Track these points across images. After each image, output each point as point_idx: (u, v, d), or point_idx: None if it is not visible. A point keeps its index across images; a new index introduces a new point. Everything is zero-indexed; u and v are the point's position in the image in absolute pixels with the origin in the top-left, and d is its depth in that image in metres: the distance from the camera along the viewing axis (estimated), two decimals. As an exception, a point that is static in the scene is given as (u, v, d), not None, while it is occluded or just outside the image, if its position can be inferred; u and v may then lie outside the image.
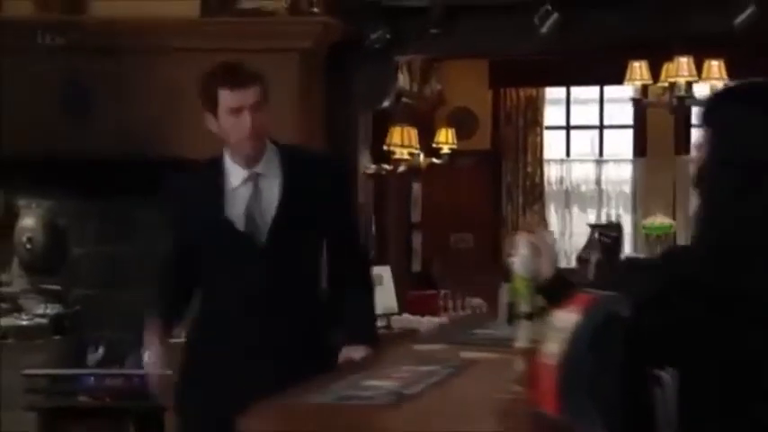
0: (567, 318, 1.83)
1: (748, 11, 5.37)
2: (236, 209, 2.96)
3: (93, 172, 5.79)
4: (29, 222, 6.23)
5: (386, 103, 6.34)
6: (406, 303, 6.37)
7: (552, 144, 9.38)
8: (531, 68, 8.67)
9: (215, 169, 3.01)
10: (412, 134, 6.84)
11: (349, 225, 3.14)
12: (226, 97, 2.91)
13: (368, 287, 3.16)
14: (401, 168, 6.90)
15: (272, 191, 2.96)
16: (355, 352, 2.92)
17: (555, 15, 5.69)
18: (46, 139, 5.85)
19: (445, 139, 7.95)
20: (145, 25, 5.71)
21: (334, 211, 3.02)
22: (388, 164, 6.97)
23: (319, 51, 5.84)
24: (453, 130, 8.12)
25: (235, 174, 2.98)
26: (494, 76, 8.98)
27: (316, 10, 5.63)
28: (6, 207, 6.32)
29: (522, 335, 2.25)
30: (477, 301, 6.31)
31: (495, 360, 2.68)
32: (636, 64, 7.15)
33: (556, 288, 2.20)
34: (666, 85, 7.11)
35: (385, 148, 6.79)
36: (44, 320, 6.01)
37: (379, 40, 5.94)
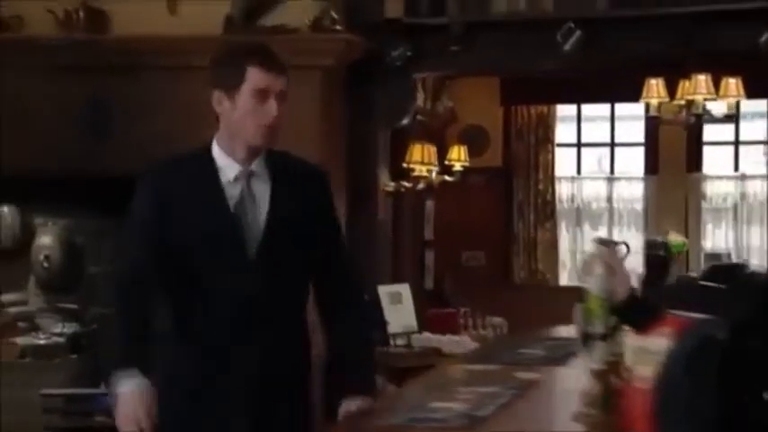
0: (659, 341, 1.80)
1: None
2: (225, 206, 2.70)
3: (110, 189, 5.74)
4: (46, 240, 6.19)
5: (405, 121, 6.32)
6: (426, 321, 6.34)
7: (563, 161, 9.35)
8: (543, 86, 8.66)
9: (204, 160, 2.72)
10: (432, 151, 6.82)
11: (338, 243, 2.85)
12: (256, 76, 2.65)
13: (362, 320, 2.83)
14: (420, 186, 6.88)
15: (264, 195, 2.71)
16: (356, 405, 2.65)
17: (578, 33, 5.68)
18: (64, 158, 5.82)
19: (458, 156, 7.92)
20: (167, 44, 5.68)
21: (323, 225, 2.78)
22: (402, 181, 6.94)
23: (341, 68, 5.83)
24: (465, 147, 8.09)
25: (227, 167, 2.71)
26: (505, 94, 8.96)
27: (338, 27, 5.62)
28: (23, 225, 6.28)
29: (596, 356, 2.22)
30: (497, 319, 6.28)
31: (555, 380, 2.65)
32: (653, 81, 7.14)
33: (632, 308, 2.17)
34: (683, 102, 7.10)
35: (405, 165, 6.77)
36: (61, 339, 5.95)
37: (400, 57, 5.93)
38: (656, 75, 7.12)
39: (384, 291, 6.12)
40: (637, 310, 2.16)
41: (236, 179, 2.70)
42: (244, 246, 2.68)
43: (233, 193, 2.69)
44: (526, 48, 5.92)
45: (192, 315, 2.71)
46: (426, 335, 6.14)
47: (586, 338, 2.24)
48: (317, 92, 5.62)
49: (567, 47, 5.72)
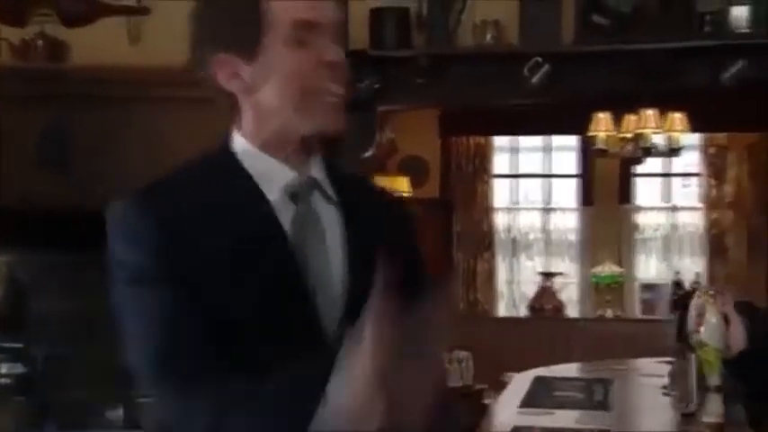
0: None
1: (738, 65, 5.46)
2: (284, 245, 1.54)
3: (60, 223, 5.54)
4: (-11, 277, 5.93)
5: (369, 153, 6.23)
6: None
7: (500, 192, 9.38)
8: (480, 117, 8.67)
9: (230, 168, 1.57)
10: (405, 183, 6.75)
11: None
12: (292, 6, 1.56)
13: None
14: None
15: (332, 219, 1.61)
16: None
17: (546, 67, 5.69)
18: (12, 190, 5.61)
19: (400, 187, 7.89)
20: (127, 74, 5.52)
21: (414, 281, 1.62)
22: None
23: (309, 101, 5.71)
24: (408, 178, 8.06)
25: (271, 174, 1.57)
26: (443, 125, 8.95)
27: (308, 59, 5.50)
28: (-35, 261, 6.00)
29: (711, 409, 2.16)
30: (463, 353, 6.22)
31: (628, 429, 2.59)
32: (601, 115, 7.26)
33: (753, 363, 2.11)
34: (630, 136, 7.22)
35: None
36: (8, 381, 5.71)
37: (367, 89, 5.84)
38: (604, 109, 7.24)
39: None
40: (757, 364, 2.11)
41: (289, 191, 1.58)
42: (316, 316, 1.54)
43: (281, 218, 1.56)
44: (493, 81, 5.90)
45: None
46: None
47: (700, 390, 2.18)
48: (284, 124, 5.50)
49: (534, 80, 5.72)
